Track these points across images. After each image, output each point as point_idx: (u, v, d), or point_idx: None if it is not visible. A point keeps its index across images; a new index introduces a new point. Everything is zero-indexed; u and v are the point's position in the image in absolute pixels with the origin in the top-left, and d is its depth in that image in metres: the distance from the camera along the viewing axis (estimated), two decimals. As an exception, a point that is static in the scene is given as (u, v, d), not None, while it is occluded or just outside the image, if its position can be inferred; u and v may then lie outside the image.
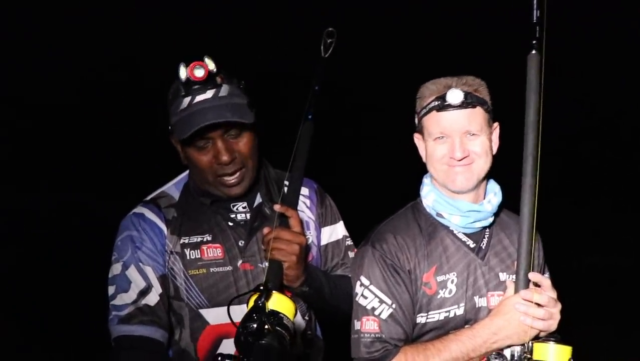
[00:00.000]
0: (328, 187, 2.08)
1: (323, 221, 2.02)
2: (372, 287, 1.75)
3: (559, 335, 1.64)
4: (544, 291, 1.68)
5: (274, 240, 1.71)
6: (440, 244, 1.80)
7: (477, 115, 1.74)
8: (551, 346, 1.60)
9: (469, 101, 1.72)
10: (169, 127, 1.83)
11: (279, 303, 1.51)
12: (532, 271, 1.67)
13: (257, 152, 1.86)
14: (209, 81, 1.75)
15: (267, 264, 1.76)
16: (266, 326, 1.42)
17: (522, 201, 1.67)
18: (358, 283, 1.78)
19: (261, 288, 1.51)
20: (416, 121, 1.84)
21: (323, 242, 2.01)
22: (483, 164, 1.77)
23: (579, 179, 7.49)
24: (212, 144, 1.78)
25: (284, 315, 1.49)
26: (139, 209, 1.87)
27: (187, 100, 1.76)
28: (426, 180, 1.87)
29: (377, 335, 1.72)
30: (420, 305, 1.76)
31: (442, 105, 1.73)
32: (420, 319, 1.76)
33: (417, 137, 1.87)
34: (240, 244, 1.86)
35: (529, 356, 1.64)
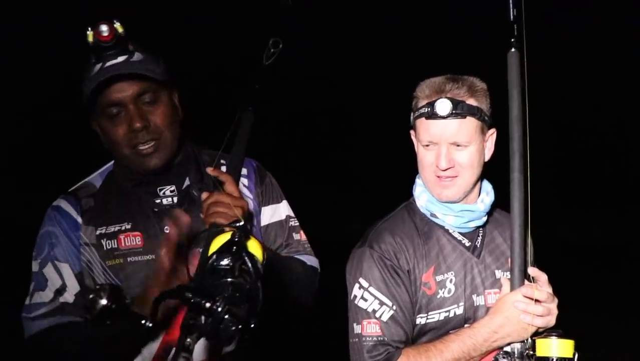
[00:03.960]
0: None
1: (263, 200, 1.88)
2: (371, 289, 1.69)
3: (561, 330, 1.60)
4: (541, 286, 1.63)
5: (214, 205, 1.61)
6: (437, 243, 1.75)
7: (467, 125, 1.66)
8: (554, 341, 1.57)
9: (457, 112, 1.65)
10: (84, 103, 1.71)
11: (253, 247, 1.26)
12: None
13: (177, 127, 1.77)
14: (120, 47, 1.66)
15: (199, 249, 1.68)
16: (243, 266, 1.18)
17: (511, 197, 1.63)
18: (356, 285, 1.71)
19: (239, 224, 1.27)
20: (411, 118, 1.78)
21: (264, 222, 1.87)
22: (469, 177, 1.71)
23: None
24: (125, 112, 1.68)
25: (258, 260, 1.25)
26: (57, 202, 1.79)
27: (97, 66, 1.66)
28: (419, 180, 1.82)
29: (379, 338, 1.66)
30: (420, 306, 1.70)
31: (430, 113, 1.67)
32: (420, 320, 1.70)
33: (412, 135, 1.80)
34: (166, 230, 1.72)
35: (531, 352, 1.60)
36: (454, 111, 1.64)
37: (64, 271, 1.73)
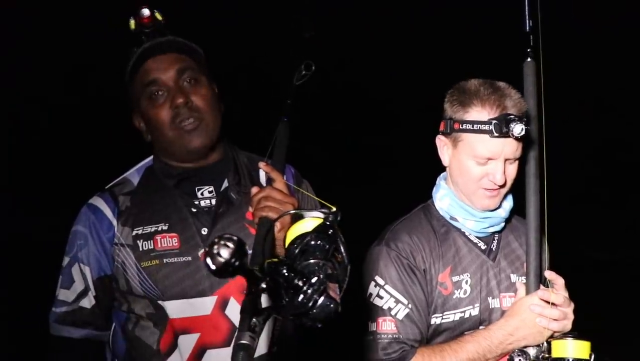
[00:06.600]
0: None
1: (300, 205, 1.82)
2: (387, 287, 1.68)
3: (576, 332, 1.60)
4: (558, 290, 1.62)
5: (265, 199, 1.60)
6: (453, 245, 1.74)
7: (522, 141, 1.64)
8: (570, 342, 1.56)
9: (526, 134, 1.58)
10: (126, 92, 1.73)
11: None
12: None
13: (218, 114, 1.75)
14: (160, 33, 1.70)
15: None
16: (336, 253, 1.11)
17: (527, 203, 1.63)
18: (372, 283, 1.70)
19: (333, 210, 1.17)
20: (449, 124, 1.67)
21: None
22: (509, 186, 1.69)
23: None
24: (166, 91, 1.69)
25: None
26: (94, 200, 1.75)
27: (139, 49, 1.70)
28: (442, 182, 1.79)
29: (394, 336, 1.66)
30: (435, 305, 1.69)
31: (501, 132, 1.56)
32: (435, 320, 1.70)
33: (442, 141, 1.71)
34: (203, 232, 1.69)
35: (546, 355, 1.59)
36: (525, 134, 1.58)
37: (87, 275, 1.73)
